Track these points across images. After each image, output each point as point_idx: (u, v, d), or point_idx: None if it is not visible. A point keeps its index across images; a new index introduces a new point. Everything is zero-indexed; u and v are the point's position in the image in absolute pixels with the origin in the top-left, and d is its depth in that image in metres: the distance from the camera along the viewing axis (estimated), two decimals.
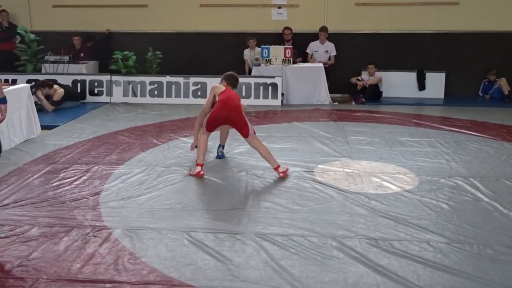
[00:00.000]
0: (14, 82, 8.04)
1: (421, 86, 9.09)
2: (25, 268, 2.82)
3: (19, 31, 9.20)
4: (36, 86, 7.54)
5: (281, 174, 4.40)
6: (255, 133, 4.57)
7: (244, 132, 4.50)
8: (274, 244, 3.11)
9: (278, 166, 4.45)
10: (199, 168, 4.44)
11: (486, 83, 9.01)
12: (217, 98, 4.62)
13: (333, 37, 9.19)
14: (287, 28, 9.06)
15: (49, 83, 7.69)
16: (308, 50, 9.15)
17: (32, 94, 6.34)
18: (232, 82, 4.84)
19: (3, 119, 3.66)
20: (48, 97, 7.61)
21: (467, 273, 2.76)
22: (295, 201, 3.84)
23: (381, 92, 8.83)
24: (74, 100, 8.04)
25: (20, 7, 9.91)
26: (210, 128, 4.63)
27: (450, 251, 3.02)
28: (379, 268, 2.82)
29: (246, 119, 4.58)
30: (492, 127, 6.47)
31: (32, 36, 9.13)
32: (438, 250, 3.02)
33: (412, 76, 9.13)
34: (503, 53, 8.96)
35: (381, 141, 5.72)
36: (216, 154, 5.10)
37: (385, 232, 3.29)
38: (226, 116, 4.53)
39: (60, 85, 7.87)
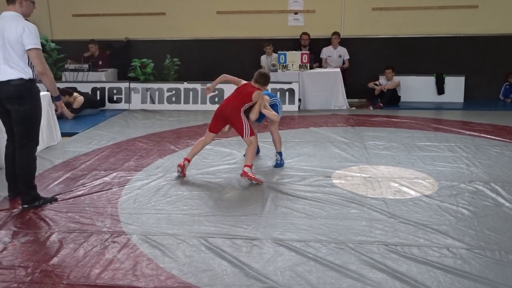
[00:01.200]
0: None
1: (440, 90, 8.99)
2: (45, 273, 2.86)
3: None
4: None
5: (242, 171, 4.38)
6: (252, 134, 4.58)
7: (237, 128, 4.63)
8: (291, 250, 3.10)
9: (248, 166, 4.40)
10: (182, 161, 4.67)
11: (507, 86, 8.86)
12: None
13: (350, 42, 9.17)
14: (305, 33, 9.09)
15: (69, 91, 7.83)
16: (322, 56, 9.15)
17: (52, 102, 6.46)
18: (255, 78, 4.84)
19: (61, 112, 4.45)
20: (68, 105, 7.75)
21: (488, 279, 2.70)
22: (312, 207, 3.82)
23: (399, 96, 8.76)
24: (94, 107, 8.17)
25: (41, 16, 10.11)
26: (211, 124, 4.77)
27: (470, 257, 2.96)
28: (398, 274, 2.78)
29: (243, 120, 4.59)
30: None
31: (53, 45, 9.33)
32: (459, 256, 2.97)
33: (430, 80, 9.04)
34: None
35: (399, 146, 5.66)
36: (274, 163, 5.00)
37: (404, 238, 3.24)
38: (222, 113, 4.73)
39: (80, 93, 8.01)
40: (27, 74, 3.74)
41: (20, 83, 3.71)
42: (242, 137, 4.62)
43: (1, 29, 3.69)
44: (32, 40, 3.68)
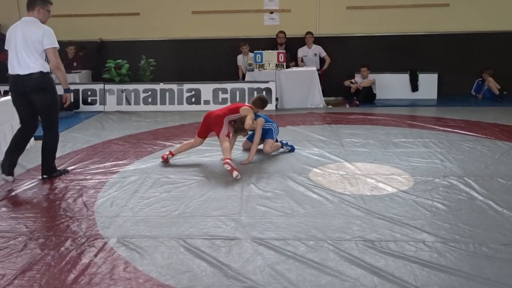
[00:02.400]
0: (6, 93, 8.00)
1: (414, 87, 9.15)
2: (19, 281, 2.80)
3: None
4: None
5: (224, 161, 4.58)
6: (229, 136, 4.96)
7: (217, 131, 4.94)
8: (270, 249, 3.10)
9: (226, 159, 4.60)
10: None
11: (480, 82, 9.07)
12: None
13: (326, 41, 9.24)
14: (281, 32, 9.14)
15: None
16: (298, 56, 9.20)
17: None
18: (253, 99, 5.37)
19: (68, 105, 4.79)
20: None
21: (463, 271, 2.76)
22: (291, 205, 3.84)
23: (375, 94, 8.87)
24: (68, 109, 8.02)
25: (10, 18, 9.87)
26: (199, 130, 5.17)
27: (446, 250, 3.02)
28: (375, 269, 2.81)
29: (225, 126, 4.93)
30: (485, 126, 6.50)
31: None
32: (434, 250, 3.03)
33: (405, 78, 9.19)
34: (494, 53, 9.04)
35: (375, 142, 5.74)
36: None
37: (381, 233, 3.29)
38: (207, 120, 5.09)
39: None
40: (45, 68, 4.46)
41: (41, 76, 4.42)
42: (218, 136, 4.92)
43: (23, 31, 4.43)
44: (50, 40, 4.45)
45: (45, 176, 4.69)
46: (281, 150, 5.40)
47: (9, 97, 5.88)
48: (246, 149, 5.39)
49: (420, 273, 2.76)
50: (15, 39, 4.44)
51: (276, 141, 5.36)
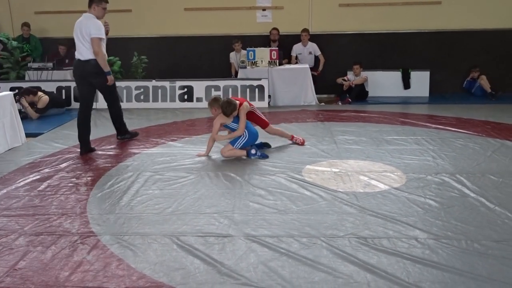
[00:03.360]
0: None
1: (406, 85, 9.19)
2: (12, 278, 2.78)
3: (1, 38, 9.10)
4: (19, 93, 7.46)
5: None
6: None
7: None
8: (264, 246, 3.10)
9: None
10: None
11: (470, 80, 9.13)
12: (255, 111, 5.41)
13: (318, 38, 9.25)
14: (274, 28, 9.13)
15: (33, 90, 7.62)
16: (292, 53, 9.20)
17: (16, 102, 6.29)
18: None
19: (113, 82, 5.56)
20: (33, 104, 7.54)
21: (455, 268, 2.78)
22: (284, 202, 3.84)
23: (367, 92, 8.90)
24: (59, 107, 7.97)
25: (1, 14, 9.80)
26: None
27: (438, 247, 3.04)
28: (368, 266, 2.83)
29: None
30: (477, 124, 6.55)
31: (15, 43, 9.03)
32: (427, 247, 3.04)
33: (397, 75, 9.22)
34: (485, 51, 9.10)
35: (368, 140, 5.76)
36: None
37: (374, 230, 3.30)
38: None
39: (45, 92, 7.79)
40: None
41: (96, 62, 5.31)
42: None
43: (80, 25, 5.32)
44: (95, 31, 5.24)
45: (118, 137, 5.95)
46: (252, 154, 5.07)
47: (1, 94, 5.85)
48: (228, 156, 5.08)
49: (413, 269, 2.78)
50: (76, 31, 5.33)
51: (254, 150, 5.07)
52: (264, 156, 5.06)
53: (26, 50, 9.35)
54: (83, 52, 5.33)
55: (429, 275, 2.72)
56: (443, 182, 4.24)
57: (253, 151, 5.02)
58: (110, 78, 5.49)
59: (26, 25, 9.31)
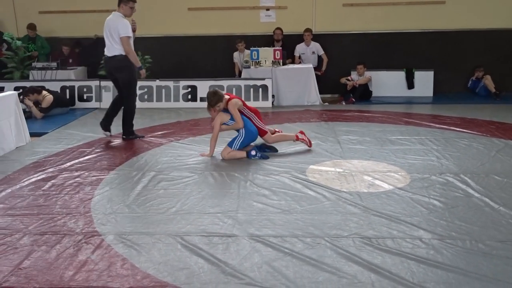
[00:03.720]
0: (1, 89, 7.98)
1: (410, 84, 9.17)
2: (16, 277, 2.79)
3: (5, 38, 9.13)
4: (23, 93, 7.48)
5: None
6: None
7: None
8: (268, 246, 3.10)
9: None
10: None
11: (474, 79, 9.10)
12: (243, 110, 5.26)
13: (322, 38, 9.25)
14: (278, 28, 9.13)
15: (38, 89, 7.65)
16: (295, 53, 9.19)
17: (20, 102, 6.31)
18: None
19: (144, 75, 6.10)
20: (37, 104, 7.56)
21: (460, 268, 2.78)
22: (288, 202, 3.84)
23: (371, 91, 8.89)
24: (63, 106, 8.00)
25: (6, 14, 9.84)
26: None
27: (442, 247, 3.03)
28: (373, 266, 2.82)
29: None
30: (481, 124, 6.53)
31: (19, 43, 9.06)
32: (431, 247, 3.04)
33: (401, 75, 9.21)
34: (489, 50, 9.08)
35: (372, 140, 5.75)
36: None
37: (378, 230, 3.30)
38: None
39: (49, 91, 7.82)
40: (123, 52, 5.70)
41: (120, 58, 5.72)
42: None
43: (109, 23, 5.74)
44: (124, 30, 5.64)
45: (124, 137, 6.04)
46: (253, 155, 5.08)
47: (4, 94, 5.87)
48: (228, 159, 5.03)
49: (417, 269, 2.77)
50: (105, 29, 5.74)
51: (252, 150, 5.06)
52: (264, 157, 5.03)
53: (31, 50, 9.39)
54: (110, 49, 5.74)
55: (434, 276, 2.71)
56: (447, 182, 4.23)
57: (252, 152, 5.00)
58: (142, 72, 6.03)
59: (30, 27, 9.34)
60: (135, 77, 5.90)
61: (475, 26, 9.10)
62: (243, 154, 5.03)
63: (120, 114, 6.11)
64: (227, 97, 5.15)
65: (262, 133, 5.32)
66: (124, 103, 6.01)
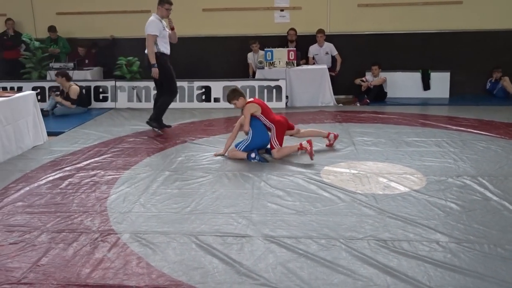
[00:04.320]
0: (20, 89, 8.10)
1: (426, 86, 9.07)
2: (34, 274, 2.83)
3: (24, 38, 9.26)
4: (56, 73, 8.00)
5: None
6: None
7: (291, 126, 5.40)
8: (282, 247, 3.10)
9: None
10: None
11: (492, 81, 8.98)
12: (260, 118, 5.14)
13: (336, 39, 9.20)
14: (292, 29, 9.11)
15: (68, 75, 8.00)
16: (309, 54, 9.16)
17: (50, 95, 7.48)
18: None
19: (156, 76, 6.22)
20: (62, 93, 7.93)
21: (478, 272, 2.74)
22: (302, 203, 3.83)
23: (386, 92, 8.82)
24: (84, 105, 8.12)
25: (24, 15, 9.98)
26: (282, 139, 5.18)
27: (460, 251, 3.00)
28: (388, 269, 2.80)
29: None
30: (499, 126, 6.43)
31: (37, 43, 9.19)
32: (448, 250, 3.00)
33: (416, 76, 9.12)
34: (508, 51, 8.93)
35: (387, 141, 5.70)
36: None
37: (394, 233, 3.27)
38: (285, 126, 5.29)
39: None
40: (156, 49, 6.19)
41: (147, 56, 6.16)
42: (293, 129, 5.43)
43: (146, 24, 6.23)
44: (149, 29, 6.14)
45: (147, 121, 6.44)
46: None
47: (23, 93, 5.95)
48: (231, 157, 5.12)
49: (434, 273, 2.74)
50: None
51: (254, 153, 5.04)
52: (262, 160, 4.96)
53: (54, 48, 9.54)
54: (146, 47, 6.24)
55: (451, 280, 2.68)
56: (464, 185, 4.17)
57: (252, 155, 4.99)
58: (154, 70, 6.18)
59: (51, 30, 9.47)
60: (165, 73, 6.21)
61: (493, 27, 8.97)
62: (243, 155, 5.05)
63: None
64: (250, 99, 5.24)
65: (271, 146, 5.11)
66: (163, 96, 6.46)
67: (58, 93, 8.01)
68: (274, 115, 5.23)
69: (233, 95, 5.19)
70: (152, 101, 8.40)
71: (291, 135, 5.46)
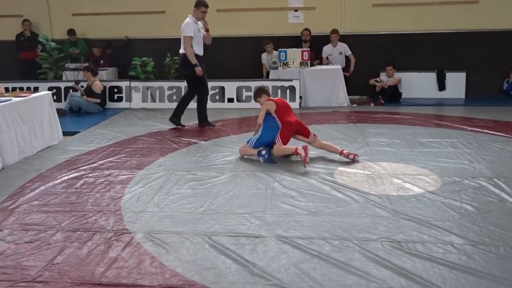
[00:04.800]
0: (36, 89, 8.21)
1: (441, 86, 8.98)
2: (49, 273, 2.86)
3: (40, 39, 9.39)
4: (84, 68, 8.30)
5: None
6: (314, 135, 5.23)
7: (306, 132, 5.20)
8: (295, 247, 3.09)
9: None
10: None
11: (509, 81, 8.85)
12: (274, 115, 5.14)
13: (351, 39, 9.16)
14: (306, 29, 9.09)
15: (95, 71, 8.23)
16: (323, 55, 9.13)
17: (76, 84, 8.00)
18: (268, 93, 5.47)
19: (201, 74, 6.53)
20: (85, 88, 8.21)
21: (494, 275, 2.70)
22: (316, 204, 3.82)
23: (401, 93, 8.75)
24: (102, 104, 8.21)
25: (41, 16, 10.11)
26: (286, 139, 5.09)
27: (475, 253, 2.96)
28: (402, 271, 2.77)
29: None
30: None
31: (53, 44, 9.30)
32: (463, 252, 2.97)
33: (431, 77, 9.03)
34: None
35: (401, 142, 5.66)
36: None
37: (408, 234, 3.24)
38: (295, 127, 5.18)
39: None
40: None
41: (183, 56, 6.46)
42: (308, 137, 5.19)
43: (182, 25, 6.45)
44: (185, 31, 6.38)
45: (202, 124, 6.83)
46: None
47: (39, 94, 6.04)
48: (242, 154, 5.18)
49: (449, 275, 2.71)
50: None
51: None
52: (269, 161, 4.92)
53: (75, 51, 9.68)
54: (181, 47, 6.47)
55: (466, 282, 2.64)
56: (480, 186, 4.12)
57: (263, 152, 5.00)
58: (198, 69, 6.43)
59: (70, 33, 9.61)
60: (200, 69, 6.46)
61: (510, 26, 8.84)
62: (254, 152, 5.09)
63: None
64: (273, 98, 5.38)
65: (274, 143, 5.04)
66: (186, 94, 6.89)
67: (82, 86, 8.28)
68: (289, 117, 5.15)
69: (257, 93, 5.39)
70: (167, 101, 8.52)
71: (307, 142, 5.13)
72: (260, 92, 5.37)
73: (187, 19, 6.44)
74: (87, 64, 8.59)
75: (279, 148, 5.01)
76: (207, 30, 6.60)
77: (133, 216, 3.67)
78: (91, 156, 5.38)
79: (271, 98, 5.35)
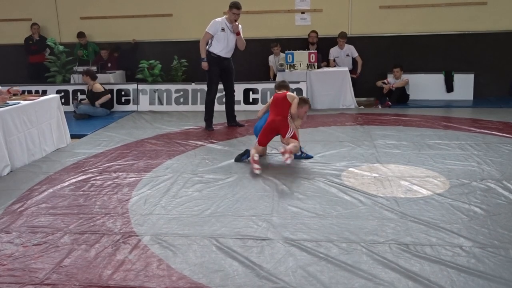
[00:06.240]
0: (44, 93, 8.28)
1: (449, 88, 8.92)
2: (57, 275, 2.88)
3: (48, 43, 9.46)
4: (83, 72, 8.25)
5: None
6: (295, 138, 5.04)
7: (284, 133, 5.02)
8: (302, 250, 3.08)
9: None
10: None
11: None
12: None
13: (358, 41, 9.13)
14: (313, 31, 9.09)
15: (94, 76, 8.22)
16: (330, 57, 9.11)
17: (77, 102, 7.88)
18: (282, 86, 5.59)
19: (207, 69, 6.60)
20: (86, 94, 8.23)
21: (503, 278, 2.67)
22: (323, 206, 3.81)
23: (408, 95, 8.70)
24: (109, 107, 8.25)
25: (49, 20, 10.19)
26: (261, 139, 5.10)
27: (484, 256, 2.93)
28: (410, 274, 2.76)
29: (290, 126, 5.03)
30: None
31: (61, 47, 9.38)
32: (472, 255, 2.94)
33: (439, 78, 8.97)
34: None
35: (409, 144, 5.63)
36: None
37: (416, 237, 3.22)
38: (272, 126, 5.08)
39: (105, 89, 8.28)
40: (209, 48, 6.57)
41: (207, 53, 6.55)
42: (284, 137, 5.01)
43: None
44: (208, 27, 6.50)
45: (231, 124, 6.93)
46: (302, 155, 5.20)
47: (47, 97, 6.08)
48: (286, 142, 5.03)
49: (457, 278, 2.69)
50: None
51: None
52: (307, 156, 5.16)
53: (84, 54, 9.71)
54: None
55: (475, 285, 2.62)
56: (488, 188, 4.08)
57: (302, 149, 5.17)
58: (203, 64, 6.51)
59: (80, 35, 9.68)
60: (212, 72, 6.54)
61: None
62: (297, 146, 5.01)
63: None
64: (283, 92, 5.32)
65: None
66: (226, 94, 7.01)
67: (80, 99, 8.25)
68: (274, 115, 5.06)
69: (278, 85, 5.60)
70: (174, 104, 8.55)
71: (283, 142, 5.05)
72: (277, 86, 5.59)
73: (218, 18, 6.55)
74: (86, 68, 8.56)
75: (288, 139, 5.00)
76: (237, 34, 6.55)
77: (140, 218, 3.68)
78: (99, 159, 5.41)
79: (277, 92, 5.38)
